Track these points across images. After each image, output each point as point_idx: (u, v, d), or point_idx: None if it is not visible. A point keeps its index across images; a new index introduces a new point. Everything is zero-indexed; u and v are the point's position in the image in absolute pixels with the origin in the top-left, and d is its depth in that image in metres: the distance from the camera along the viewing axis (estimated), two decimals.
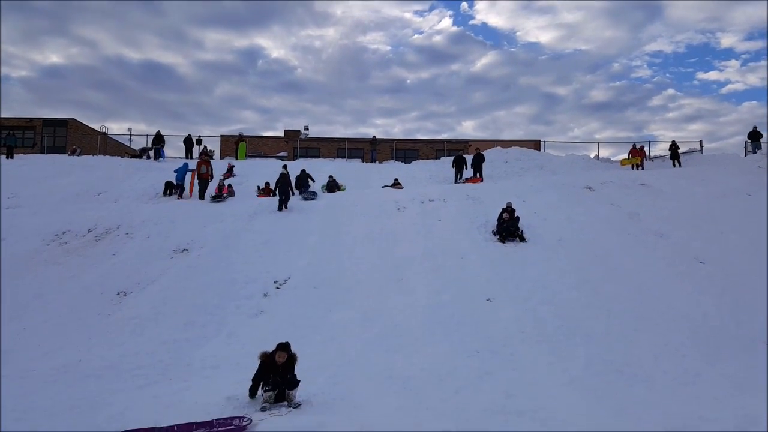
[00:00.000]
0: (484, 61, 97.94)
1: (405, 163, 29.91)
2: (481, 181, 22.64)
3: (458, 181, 23.01)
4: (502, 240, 14.70)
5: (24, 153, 28.34)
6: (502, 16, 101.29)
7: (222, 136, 36.92)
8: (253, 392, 7.22)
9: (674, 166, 25.13)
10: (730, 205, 16.50)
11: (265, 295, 12.21)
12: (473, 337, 9.85)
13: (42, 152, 30.44)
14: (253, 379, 7.21)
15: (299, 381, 7.11)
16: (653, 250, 13.87)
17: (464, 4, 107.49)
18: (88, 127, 35.95)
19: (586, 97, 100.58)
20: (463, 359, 8.97)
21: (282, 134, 38.03)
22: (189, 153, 28.31)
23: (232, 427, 6.31)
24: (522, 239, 14.70)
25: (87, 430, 6.37)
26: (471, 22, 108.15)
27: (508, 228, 14.84)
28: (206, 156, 22.95)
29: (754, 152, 25.64)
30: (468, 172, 23.42)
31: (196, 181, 20.31)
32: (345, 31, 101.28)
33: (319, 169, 23.55)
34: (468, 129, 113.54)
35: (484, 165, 23.36)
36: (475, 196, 18.61)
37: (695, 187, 18.62)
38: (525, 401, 7.25)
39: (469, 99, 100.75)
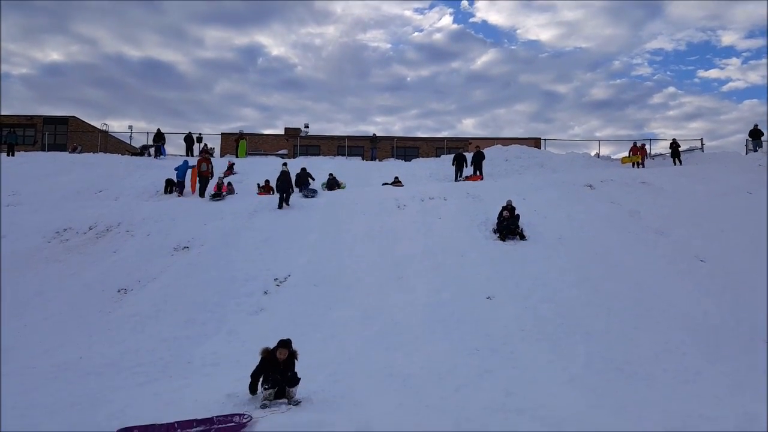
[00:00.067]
0: (485, 58, 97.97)
1: (405, 160, 29.92)
2: (482, 179, 22.63)
3: (458, 179, 22.99)
4: (503, 238, 14.69)
5: (25, 151, 28.39)
6: (503, 13, 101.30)
7: (222, 134, 36.96)
8: (253, 389, 7.20)
9: (675, 164, 25.14)
10: (731, 204, 16.49)
11: (266, 292, 12.22)
12: (473, 335, 9.85)
13: (43, 150, 30.44)
14: (252, 375, 7.18)
15: (300, 378, 7.10)
16: (653, 249, 13.87)
17: (464, 2, 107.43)
18: (89, 124, 35.95)
19: (586, 95, 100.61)
20: (463, 357, 8.96)
21: (282, 132, 38.01)
22: (189, 151, 28.32)
23: (233, 424, 6.31)
24: (522, 237, 14.69)
25: (87, 427, 6.37)
26: (471, 20, 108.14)
27: (508, 226, 14.84)
28: (206, 154, 22.93)
29: (755, 150, 25.66)
30: (468, 170, 23.40)
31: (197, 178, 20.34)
32: (345, 29, 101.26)
33: (319, 167, 23.54)
34: (468, 127, 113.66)
35: (485, 163, 23.36)
36: (475, 194, 18.60)
37: (696, 186, 18.62)
38: (525, 399, 7.24)
39: (469, 97, 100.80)
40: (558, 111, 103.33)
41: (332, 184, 21.66)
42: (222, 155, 32.24)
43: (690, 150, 28.55)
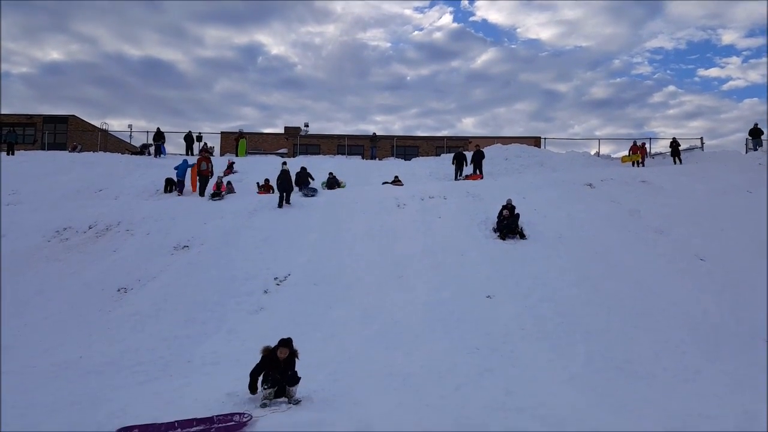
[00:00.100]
0: (485, 57, 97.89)
1: (405, 160, 29.91)
2: (481, 178, 22.62)
3: (458, 178, 22.97)
4: (502, 237, 14.69)
5: (24, 150, 28.37)
6: (503, 12, 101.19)
7: (222, 133, 36.95)
8: (253, 388, 7.18)
9: (675, 163, 25.12)
10: (731, 203, 16.49)
11: (266, 291, 12.22)
12: (473, 334, 9.85)
13: (42, 149, 30.44)
14: (251, 373, 7.15)
15: (300, 377, 7.10)
16: (653, 247, 13.87)
17: (464, 1, 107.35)
18: (89, 123, 35.92)
19: (586, 94, 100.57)
20: (463, 356, 8.96)
21: (282, 131, 38.00)
22: (189, 150, 28.31)
23: (233, 423, 6.31)
24: (522, 236, 14.69)
25: (88, 426, 6.38)
26: (471, 19, 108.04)
27: (508, 225, 14.84)
28: (206, 153, 22.93)
29: (755, 149, 25.64)
30: (468, 169, 23.39)
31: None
32: (345, 28, 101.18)
33: (319, 166, 23.54)
34: (468, 126, 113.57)
35: (484, 162, 23.35)
36: (475, 193, 18.60)
37: (696, 184, 18.62)
38: (525, 398, 7.25)
39: (469, 96, 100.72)
40: (558, 110, 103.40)
41: (332, 183, 21.66)
42: (222, 154, 32.25)
43: (690, 149, 28.53)
